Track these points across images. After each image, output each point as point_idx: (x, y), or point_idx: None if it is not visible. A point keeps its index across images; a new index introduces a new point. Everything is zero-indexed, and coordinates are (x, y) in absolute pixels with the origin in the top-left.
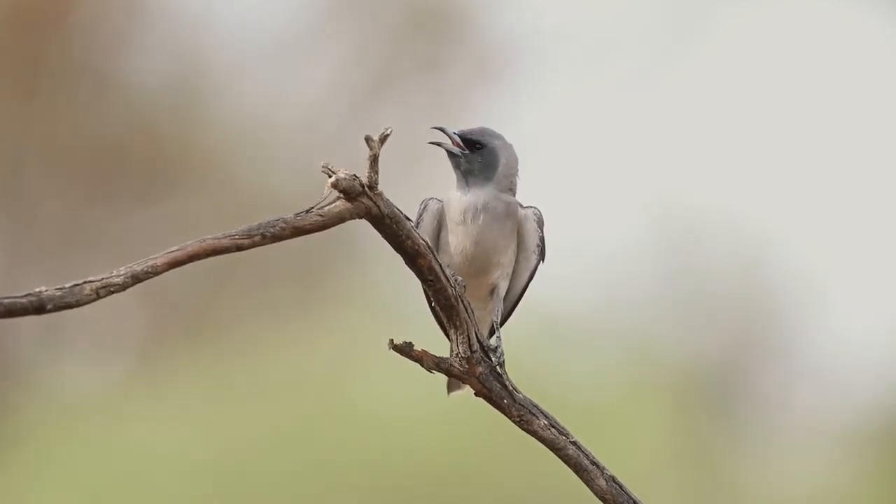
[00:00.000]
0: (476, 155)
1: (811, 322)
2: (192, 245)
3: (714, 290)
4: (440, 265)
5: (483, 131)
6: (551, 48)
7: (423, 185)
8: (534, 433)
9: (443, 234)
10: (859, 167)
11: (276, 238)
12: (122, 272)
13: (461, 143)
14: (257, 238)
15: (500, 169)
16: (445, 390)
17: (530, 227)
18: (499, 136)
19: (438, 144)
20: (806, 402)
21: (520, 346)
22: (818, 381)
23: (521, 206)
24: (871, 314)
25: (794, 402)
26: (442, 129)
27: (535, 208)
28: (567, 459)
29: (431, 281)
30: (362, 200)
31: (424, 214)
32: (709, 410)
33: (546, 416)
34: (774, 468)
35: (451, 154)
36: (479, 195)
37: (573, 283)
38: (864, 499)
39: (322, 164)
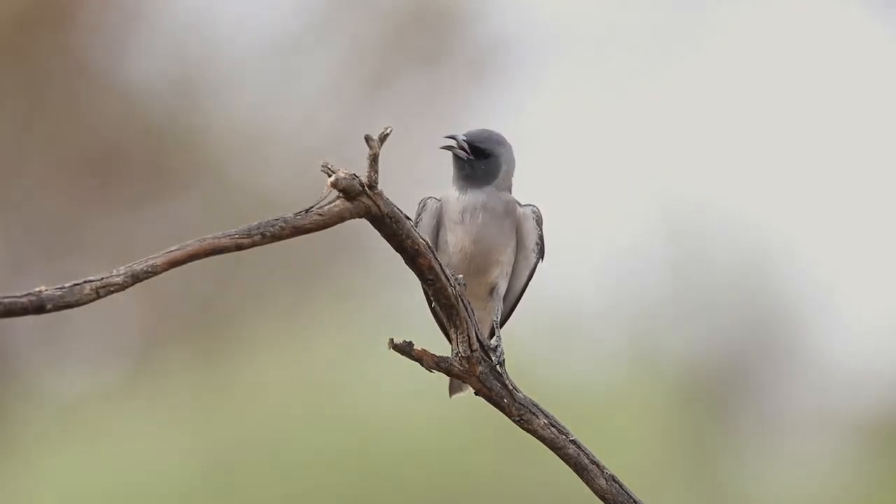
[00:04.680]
0: (480, 163)
1: (815, 320)
2: (191, 244)
3: (717, 287)
4: (440, 264)
5: (490, 138)
6: (550, 46)
7: (423, 185)
8: (533, 432)
9: (441, 233)
10: (864, 165)
11: (276, 237)
12: (121, 272)
13: (468, 150)
14: (257, 237)
15: (500, 176)
16: (445, 390)
17: (529, 226)
18: (503, 142)
19: (448, 148)
20: (809, 400)
21: (520, 344)
22: (822, 380)
23: (519, 204)
24: (877, 312)
25: (797, 400)
26: (453, 137)
27: (534, 206)
28: (567, 458)
29: (431, 280)
30: (362, 200)
31: (423, 214)
32: (711, 409)
33: (546, 415)
34: (776, 467)
35: (456, 157)
36: (477, 195)
37: (574, 281)
38: (866, 497)
39: (322, 163)
